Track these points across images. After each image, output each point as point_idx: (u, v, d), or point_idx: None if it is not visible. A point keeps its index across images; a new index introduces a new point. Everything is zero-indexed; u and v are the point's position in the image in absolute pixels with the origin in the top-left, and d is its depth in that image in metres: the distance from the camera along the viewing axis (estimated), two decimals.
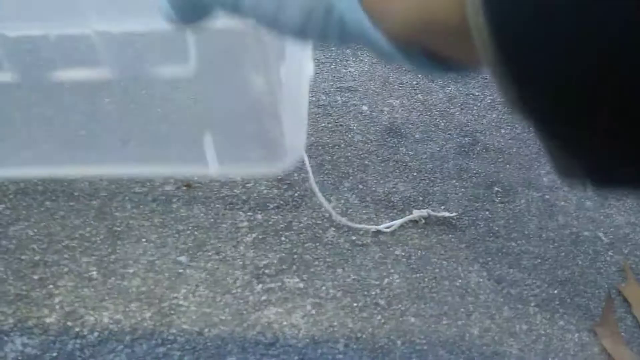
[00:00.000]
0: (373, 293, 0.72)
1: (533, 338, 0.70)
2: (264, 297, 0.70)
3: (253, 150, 0.64)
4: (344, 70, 1.14)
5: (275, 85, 0.55)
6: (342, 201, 0.85)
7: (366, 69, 1.16)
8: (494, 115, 1.08)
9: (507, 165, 0.96)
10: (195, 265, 0.73)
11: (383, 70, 1.17)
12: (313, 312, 0.70)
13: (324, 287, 0.72)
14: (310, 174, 0.73)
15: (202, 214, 0.80)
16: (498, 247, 0.81)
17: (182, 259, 0.73)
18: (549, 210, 0.88)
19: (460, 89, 1.14)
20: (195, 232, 0.77)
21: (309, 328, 0.68)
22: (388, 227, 0.80)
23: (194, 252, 0.74)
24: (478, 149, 0.99)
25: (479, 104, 1.10)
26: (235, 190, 0.84)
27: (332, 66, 1.14)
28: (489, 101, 1.12)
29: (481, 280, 0.76)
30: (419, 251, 0.79)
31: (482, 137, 1.02)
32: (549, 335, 0.70)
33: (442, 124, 1.04)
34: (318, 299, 0.71)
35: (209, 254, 0.74)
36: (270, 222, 0.80)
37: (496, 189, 0.91)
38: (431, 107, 1.08)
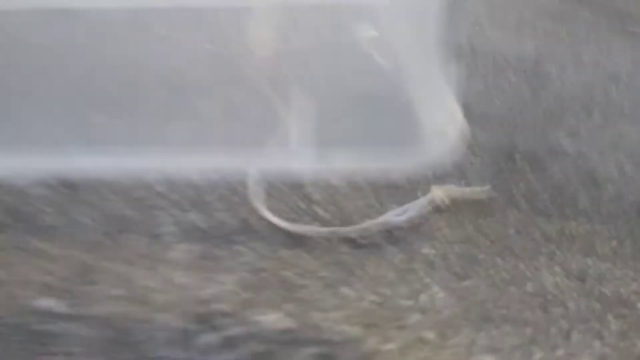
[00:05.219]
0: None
1: None
2: None
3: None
4: None
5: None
6: None
7: None
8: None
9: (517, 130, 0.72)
10: None
11: None
12: None
13: None
14: None
15: None
16: (556, 229, 0.55)
17: None
18: (591, 179, 0.65)
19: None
20: None
21: None
22: (400, 215, 0.50)
23: None
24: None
25: None
26: None
27: None
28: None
29: (559, 279, 0.49)
30: (455, 246, 0.50)
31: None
32: None
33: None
34: None
35: None
36: None
37: (518, 157, 0.66)
38: None
